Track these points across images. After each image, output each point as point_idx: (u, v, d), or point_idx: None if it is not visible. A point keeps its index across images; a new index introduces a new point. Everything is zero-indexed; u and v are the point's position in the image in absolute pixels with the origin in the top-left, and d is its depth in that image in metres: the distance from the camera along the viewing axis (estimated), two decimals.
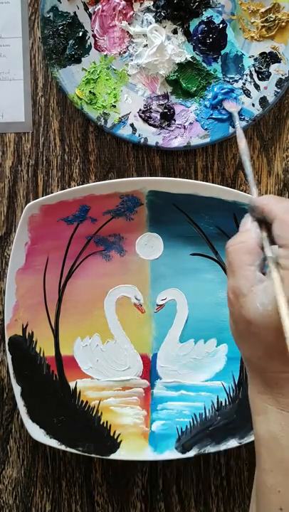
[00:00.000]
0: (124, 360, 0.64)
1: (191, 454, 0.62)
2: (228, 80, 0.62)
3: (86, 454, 0.62)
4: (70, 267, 0.63)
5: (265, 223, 0.43)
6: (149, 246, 0.64)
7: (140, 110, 0.63)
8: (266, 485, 0.40)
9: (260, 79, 0.62)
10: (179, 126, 0.63)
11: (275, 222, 0.42)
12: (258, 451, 0.41)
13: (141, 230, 0.63)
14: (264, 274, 0.41)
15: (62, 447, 0.62)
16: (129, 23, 0.62)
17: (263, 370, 0.40)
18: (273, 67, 0.62)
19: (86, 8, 0.62)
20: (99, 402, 0.63)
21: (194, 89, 0.62)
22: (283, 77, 0.62)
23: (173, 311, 0.64)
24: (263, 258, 0.42)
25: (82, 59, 0.62)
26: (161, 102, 0.63)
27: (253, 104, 0.62)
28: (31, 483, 0.67)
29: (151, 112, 0.63)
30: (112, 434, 0.63)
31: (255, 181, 0.52)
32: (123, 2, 0.61)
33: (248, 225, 0.44)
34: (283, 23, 0.61)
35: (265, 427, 0.40)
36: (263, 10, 0.61)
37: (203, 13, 0.61)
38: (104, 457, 0.63)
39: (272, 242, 0.42)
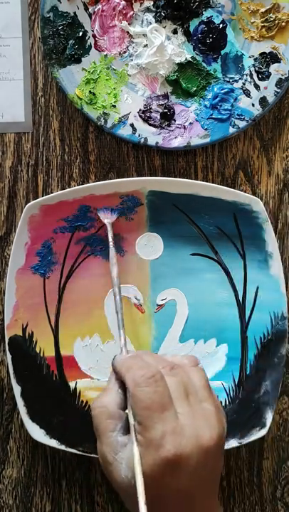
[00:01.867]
0: None
1: None
2: (228, 79, 0.62)
3: (86, 454, 0.62)
4: (70, 267, 0.63)
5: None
6: (149, 246, 0.64)
7: (140, 110, 0.63)
8: None
9: (260, 79, 0.62)
10: (179, 126, 0.63)
11: (128, 395, 0.45)
12: None
13: (141, 230, 0.63)
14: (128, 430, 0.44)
15: (62, 447, 0.62)
16: (129, 23, 0.62)
17: None
18: (273, 67, 0.62)
19: (86, 8, 0.62)
20: None
21: (194, 89, 0.62)
22: (283, 77, 0.62)
23: (173, 311, 0.64)
24: (124, 421, 0.45)
25: (82, 59, 0.62)
26: (161, 102, 0.63)
27: (253, 104, 0.62)
28: (31, 483, 0.67)
29: (151, 112, 0.63)
30: None
31: (123, 335, 0.55)
32: (123, 2, 0.61)
33: (111, 384, 0.48)
34: (283, 23, 0.61)
35: None
36: (263, 10, 0.61)
37: (203, 13, 0.62)
38: None
39: None
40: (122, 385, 0.48)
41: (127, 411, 0.46)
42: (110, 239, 0.61)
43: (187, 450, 0.41)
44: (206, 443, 0.42)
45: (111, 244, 0.60)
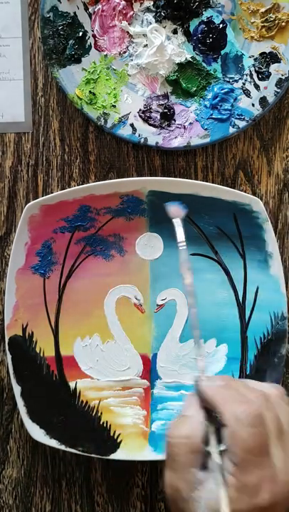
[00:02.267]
0: (124, 360, 0.64)
1: None
2: (228, 80, 0.62)
3: (86, 454, 0.62)
4: (70, 267, 0.63)
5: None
6: (149, 246, 0.64)
7: (140, 110, 0.63)
8: None
9: (260, 79, 0.62)
10: (179, 126, 0.63)
11: (227, 432, 0.40)
12: None
13: (141, 230, 0.63)
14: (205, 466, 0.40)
15: (62, 447, 0.62)
16: (129, 23, 0.62)
17: None
18: (273, 67, 0.62)
19: (86, 8, 0.62)
20: (99, 402, 0.63)
21: (194, 89, 0.62)
22: (283, 77, 0.62)
23: (173, 311, 0.64)
24: (204, 455, 0.41)
25: (82, 59, 0.62)
26: (161, 102, 0.63)
27: (253, 104, 0.62)
28: (31, 483, 0.67)
29: (151, 112, 0.63)
30: (112, 434, 0.63)
31: (197, 323, 0.49)
32: (123, 2, 0.61)
33: (193, 412, 0.43)
34: (283, 23, 0.61)
35: None
36: (263, 10, 0.61)
37: (203, 13, 0.61)
38: (104, 457, 0.63)
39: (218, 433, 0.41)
40: (208, 416, 0.43)
41: (209, 448, 0.41)
42: (181, 238, 0.52)
43: (280, 498, 0.38)
44: None
45: (181, 244, 0.52)
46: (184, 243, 0.51)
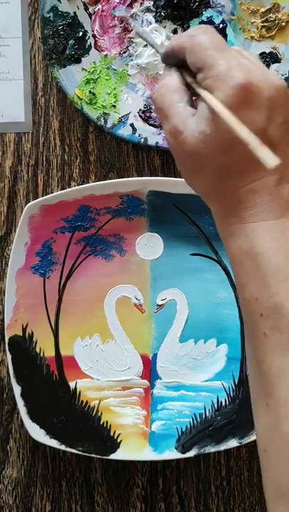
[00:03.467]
0: (124, 360, 0.64)
1: (191, 454, 0.62)
2: None
3: (86, 454, 0.62)
4: (70, 267, 0.63)
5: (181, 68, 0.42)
6: (149, 246, 0.64)
7: (140, 110, 0.63)
8: (245, 299, 0.39)
9: None
10: None
11: (187, 53, 0.41)
12: (234, 271, 0.40)
13: (141, 230, 0.63)
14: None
15: (63, 447, 0.62)
16: (129, 23, 0.62)
17: (222, 195, 0.40)
18: (273, 67, 0.62)
19: (86, 8, 0.62)
20: (99, 402, 0.63)
21: None
22: (283, 77, 0.62)
23: (173, 311, 0.64)
24: (189, 95, 0.41)
25: (82, 59, 0.62)
26: None
27: None
28: (31, 483, 0.67)
29: (151, 112, 0.63)
30: (112, 434, 0.63)
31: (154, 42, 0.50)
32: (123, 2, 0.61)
33: (165, 70, 0.44)
34: (283, 23, 0.61)
35: (234, 245, 0.39)
36: (263, 10, 0.61)
37: (203, 13, 0.61)
38: (104, 457, 0.63)
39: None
40: (178, 67, 0.43)
41: (187, 80, 0.41)
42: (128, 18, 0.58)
43: (257, 80, 0.37)
44: (276, 81, 0.38)
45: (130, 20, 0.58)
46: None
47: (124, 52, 0.63)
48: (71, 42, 0.62)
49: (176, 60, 0.43)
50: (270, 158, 0.33)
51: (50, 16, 0.61)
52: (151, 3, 0.61)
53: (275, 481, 0.37)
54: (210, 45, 0.40)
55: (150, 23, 0.62)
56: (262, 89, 0.37)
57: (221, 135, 0.37)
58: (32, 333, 0.63)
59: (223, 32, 0.62)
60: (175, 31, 0.62)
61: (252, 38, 0.62)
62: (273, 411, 0.37)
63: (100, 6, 0.62)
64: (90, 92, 0.62)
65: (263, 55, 0.62)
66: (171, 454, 0.62)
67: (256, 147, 0.34)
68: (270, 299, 0.37)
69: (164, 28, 0.62)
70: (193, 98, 0.42)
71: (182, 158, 0.40)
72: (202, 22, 0.62)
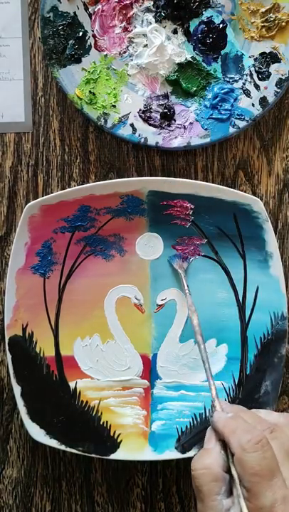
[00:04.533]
0: (124, 360, 0.64)
1: (191, 454, 0.62)
2: (228, 79, 0.62)
3: (86, 454, 0.62)
4: (70, 267, 0.63)
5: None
6: (149, 246, 0.64)
7: (140, 110, 0.63)
8: None
9: (260, 79, 0.62)
10: (179, 126, 0.63)
11: (235, 459, 0.44)
12: None
13: (141, 230, 0.63)
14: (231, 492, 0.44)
15: (62, 447, 0.62)
16: (129, 23, 0.62)
17: None
18: (273, 67, 0.62)
19: (86, 8, 0.62)
20: (99, 402, 0.63)
21: (194, 89, 0.62)
22: (283, 77, 0.62)
23: (173, 311, 0.64)
24: (228, 483, 0.44)
25: (82, 59, 0.62)
26: (161, 102, 0.63)
27: (253, 104, 0.62)
28: (31, 483, 0.67)
29: (151, 112, 0.63)
30: (112, 434, 0.63)
31: (214, 385, 0.54)
32: (123, 2, 0.61)
33: (212, 444, 0.46)
34: (283, 23, 0.61)
35: None
36: (263, 10, 0.61)
37: (203, 13, 0.61)
38: (104, 457, 0.63)
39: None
40: (224, 446, 0.47)
41: (233, 486, 0.44)
42: (186, 286, 0.61)
43: None
44: None
45: (187, 291, 0.61)
46: (188, 290, 0.61)
47: (124, 52, 0.63)
48: (71, 42, 0.62)
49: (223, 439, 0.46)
50: None
51: (50, 16, 0.61)
52: (151, 3, 0.61)
53: None
54: (259, 470, 0.42)
55: (150, 23, 0.62)
56: None
57: None
58: (32, 333, 0.63)
59: (223, 32, 0.62)
60: (175, 31, 0.62)
61: (252, 38, 0.62)
62: None
63: (100, 6, 0.62)
64: (90, 92, 0.62)
65: (263, 55, 0.62)
66: (171, 454, 0.62)
67: None
68: None
69: (164, 28, 0.62)
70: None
71: None
72: (202, 22, 0.62)
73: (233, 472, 0.44)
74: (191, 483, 0.61)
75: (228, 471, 0.45)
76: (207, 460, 0.45)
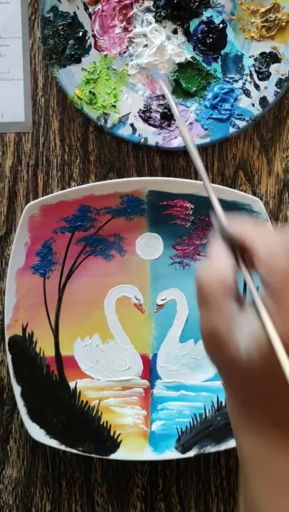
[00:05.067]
0: (124, 360, 0.64)
1: (191, 454, 0.62)
2: (228, 79, 0.62)
3: (86, 454, 0.62)
4: (70, 267, 0.63)
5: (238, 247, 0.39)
6: (149, 246, 0.64)
7: (140, 110, 0.63)
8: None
9: (260, 79, 0.62)
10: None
11: (260, 267, 0.36)
12: (246, 473, 0.38)
13: (141, 230, 0.63)
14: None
15: (63, 447, 0.62)
16: (129, 23, 0.62)
17: (255, 419, 0.37)
18: (273, 67, 0.62)
19: (86, 8, 0.62)
20: (99, 402, 0.63)
21: (194, 89, 0.62)
22: (283, 77, 0.62)
23: (173, 311, 0.64)
24: (237, 288, 0.37)
25: (82, 59, 0.62)
26: (161, 102, 0.63)
27: (253, 104, 0.62)
28: (31, 483, 0.67)
29: (151, 112, 0.63)
30: (112, 434, 0.63)
31: (206, 178, 0.45)
32: (123, 2, 0.61)
33: (217, 250, 0.39)
34: (283, 23, 0.61)
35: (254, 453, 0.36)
36: (263, 10, 0.61)
37: (203, 13, 0.61)
38: (104, 457, 0.63)
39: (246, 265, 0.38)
40: (233, 252, 0.39)
41: (249, 287, 0.37)
42: (167, 92, 0.57)
43: None
44: None
45: (169, 96, 0.57)
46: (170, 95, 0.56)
47: (124, 52, 0.63)
48: (71, 42, 0.62)
49: (233, 242, 0.39)
50: None
51: (50, 16, 0.61)
52: (151, 3, 0.61)
53: None
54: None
55: (150, 23, 0.62)
56: None
57: (266, 369, 0.34)
58: (32, 333, 0.63)
59: (223, 32, 0.62)
60: (175, 31, 0.62)
61: (252, 38, 0.62)
62: None
63: (100, 6, 0.62)
64: (90, 92, 0.62)
65: (263, 55, 0.62)
66: (171, 454, 0.62)
67: None
68: None
69: (164, 28, 0.62)
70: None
71: (217, 361, 0.37)
72: (202, 22, 0.62)
73: (247, 280, 0.38)
74: (192, 483, 0.61)
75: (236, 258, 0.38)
76: (218, 267, 0.37)
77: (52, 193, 0.65)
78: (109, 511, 0.66)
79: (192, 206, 0.62)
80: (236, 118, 0.62)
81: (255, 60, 0.62)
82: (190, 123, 0.63)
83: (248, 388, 0.36)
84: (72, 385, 0.63)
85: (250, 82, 0.62)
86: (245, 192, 0.63)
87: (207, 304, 0.37)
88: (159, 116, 0.63)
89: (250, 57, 0.62)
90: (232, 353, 0.35)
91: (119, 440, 0.63)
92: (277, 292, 0.35)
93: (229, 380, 0.38)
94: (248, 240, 0.38)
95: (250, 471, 0.37)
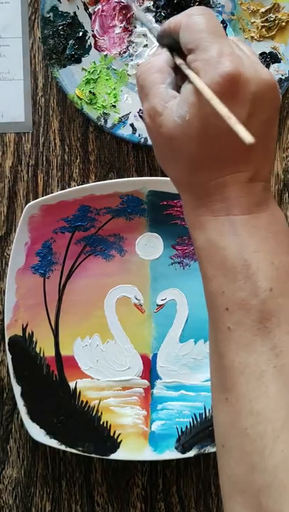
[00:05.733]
0: (124, 360, 0.64)
1: (191, 454, 0.62)
2: None
3: (86, 454, 0.62)
4: (70, 267, 0.63)
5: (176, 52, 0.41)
6: (149, 246, 0.64)
7: (140, 110, 0.63)
8: (211, 292, 0.40)
9: None
10: None
11: (181, 31, 0.40)
12: (200, 263, 0.41)
13: (141, 230, 0.63)
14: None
15: (63, 447, 0.62)
16: (129, 23, 0.62)
17: (192, 184, 0.39)
18: (273, 67, 0.62)
19: (86, 8, 0.62)
20: (99, 402, 0.63)
21: None
22: (283, 77, 0.62)
23: (173, 311, 0.64)
24: (173, 78, 0.40)
25: (82, 59, 0.62)
26: None
27: None
28: (31, 483, 0.67)
29: None
30: (112, 434, 0.63)
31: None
32: (123, 2, 0.61)
33: (156, 50, 0.43)
34: (283, 23, 0.61)
35: (203, 237, 0.39)
36: (263, 10, 0.61)
37: None
38: (104, 457, 0.63)
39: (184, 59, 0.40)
40: (171, 49, 0.42)
41: (175, 60, 0.40)
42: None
43: (246, 73, 0.36)
44: (265, 76, 0.37)
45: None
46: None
47: (124, 52, 0.63)
48: (71, 42, 0.62)
49: (170, 41, 0.41)
50: (246, 135, 0.32)
51: (50, 16, 0.61)
52: (151, 3, 0.61)
53: (231, 477, 0.37)
54: (206, 27, 0.38)
55: (150, 23, 0.61)
56: (249, 82, 0.36)
57: (199, 123, 0.36)
58: (32, 333, 0.63)
59: None
60: None
61: (252, 38, 0.62)
62: (233, 407, 0.37)
63: (100, 6, 0.62)
64: (90, 92, 0.62)
65: (263, 55, 0.62)
66: (171, 454, 0.62)
67: (234, 123, 0.33)
68: (236, 294, 0.37)
69: None
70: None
71: (157, 140, 0.40)
72: None
73: (176, 58, 0.41)
74: (192, 483, 0.61)
75: (175, 69, 0.41)
76: (150, 59, 0.41)
77: (52, 193, 0.65)
78: (109, 511, 0.66)
79: None
80: None
81: None
82: None
83: (191, 154, 0.38)
84: (72, 385, 0.63)
85: None
86: None
87: (145, 90, 0.40)
88: None
89: None
90: (167, 121, 0.38)
91: (119, 440, 0.63)
92: (197, 46, 0.38)
93: (168, 158, 0.40)
94: (171, 23, 0.42)
95: (202, 254, 0.40)
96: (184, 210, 0.41)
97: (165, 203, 0.62)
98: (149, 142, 0.63)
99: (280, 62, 0.62)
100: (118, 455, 0.63)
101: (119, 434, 0.63)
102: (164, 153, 0.40)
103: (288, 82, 0.62)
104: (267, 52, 0.62)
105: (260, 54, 0.62)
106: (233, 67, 0.36)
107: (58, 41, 0.62)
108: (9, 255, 0.64)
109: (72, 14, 0.61)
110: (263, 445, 0.35)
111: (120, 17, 0.62)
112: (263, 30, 0.62)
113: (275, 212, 0.39)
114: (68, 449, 0.62)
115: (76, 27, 0.62)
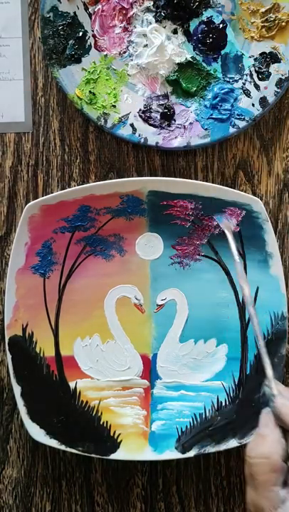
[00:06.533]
0: (124, 360, 0.64)
1: (191, 454, 0.62)
2: (228, 79, 0.62)
3: (86, 454, 0.62)
4: (70, 267, 0.63)
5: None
6: (149, 246, 0.64)
7: (140, 110, 0.63)
8: None
9: (260, 79, 0.62)
10: (179, 126, 0.63)
11: None
12: None
13: (141, 230, 0.63)
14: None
15: (62, 447, 0.62)
16: (129, 23, 0.62)
17: None
18: (273, 67, 0.62)
19: (86, 8, 0.62)
20: (99, 402, 0.63)
21: (194, 89, 0.62)
22: (283, 77, 0.62)
23: (173, 311, 0.64)
24: (286, 475, 0.41)
25: (82, 59, 0.62)
26: (161, 102, 0.63)
27: (253, 104, 0.62)
28: (31, 483, 0.67)
29: (151, 112, 0.63)
30: (112, 434, 0.63)
31: (270, 365, 0.49)
32: (123, 2, 0.61)
33: (269, 430, 0.43)
34: (283, 23, 0.61)
35: None
36: (263, 10, 0.61)
37: (203, 13, 0.61)
38: (104, 457, 0.63)
39: None
40: (284, 433, 0.44)
41: None
42: (235, 251, 0.57)
43: None
44: None
45: (237, 258, 0.57)
46: (239, 256, 0.56)
47: (124, 52, 0.63)
48: (71, 42, 0.62)
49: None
50: None
51: (50, 16, 0.61)
52: (151, 3, 0.61)
53: None
54: None
55: (150, 23, 0.62)
56: None
57: None
58: (32, 333, 0.63)
59: (223, 32, 0.62)
60: (175, 31, 0.62)
61: (252, 38, 0.62)
62: None
63: (100, 6, 0.62)
64: (90, 92, 0.62)
65: (263, 55, 0.62)
66: (171, 454, 0.62)
67: None
68: None
69: (164, 28, 0.62)
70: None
71: None
72: (202, 22, 0.62)
73: None
74: (192, 483, 0.61)
75: (287, 459, 0.42)
76: (266, 448, 0.41)
77: (52, 193, 0.65)
78: (109, 511, 0.66)
79: (192, 206, 0.62)
80: (236, 118, 0.62)
81: (255, 60, 0.62)
82: (190, 123, 0.63)
83: None
84: (72, 385, 0.63)
85: (250, 82, 0.62)
86: (245, 192, 0.64)
87: (255, 482, 0.40)
88: (159, 116, 0.63)
89: (250, 57, 0.62)
90: None
91: (119, 440, 0.63)
92: None
93: None
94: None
95: None
96: None
97: (165, 203, 0.62)
98: (149, 142, 0.63)
99: (280, 62, 0.62)
100: (118, 455, 0.63)
101: (119, 434, 0.63)
102: None
103: (288, 82, 0.62)
104: (267, 52, 0.62)
105: (260, 54, 0.62)
106: None
107: (58, 41, 0.62)
108: (9, 255, 0.64)
109: (72, 14, 0.61)
110: None
111: (120, 17, 0.62)
112: (263, 30, 0.62)
113: None
114: (68, 449, 0.62)
115: (76, 27, 0.62)
